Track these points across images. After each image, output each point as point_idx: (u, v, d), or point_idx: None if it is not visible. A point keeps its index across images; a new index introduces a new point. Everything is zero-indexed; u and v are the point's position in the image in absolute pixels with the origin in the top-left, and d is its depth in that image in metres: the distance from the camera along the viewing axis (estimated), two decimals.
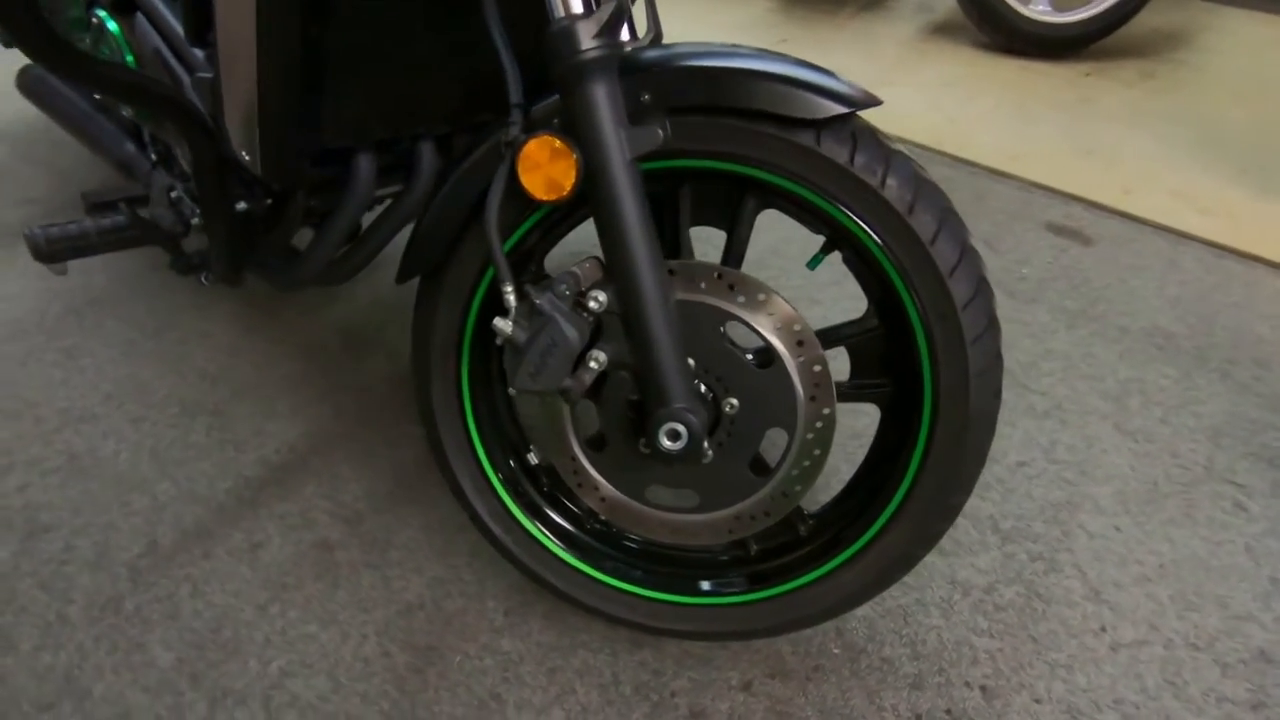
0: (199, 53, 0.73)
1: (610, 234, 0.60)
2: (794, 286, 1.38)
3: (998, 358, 0.65)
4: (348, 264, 0.92)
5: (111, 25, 0.81)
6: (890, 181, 0.60)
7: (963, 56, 2.18)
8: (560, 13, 0.56)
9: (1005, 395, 1.15)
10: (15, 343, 1.26)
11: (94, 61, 0.56)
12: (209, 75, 0.68)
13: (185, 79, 0.74)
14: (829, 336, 0.70)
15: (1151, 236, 1.49)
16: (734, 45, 0.64)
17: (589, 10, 0.57)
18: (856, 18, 2.47)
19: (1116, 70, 2.08)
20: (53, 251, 0.76)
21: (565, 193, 0.59)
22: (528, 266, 0.75)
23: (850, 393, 0.74)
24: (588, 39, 0.56)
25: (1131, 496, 1.02)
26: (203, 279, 0.86)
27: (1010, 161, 1.70)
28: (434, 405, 0.78)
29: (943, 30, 2.34)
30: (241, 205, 0.79)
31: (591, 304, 0.62)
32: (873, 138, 0.61)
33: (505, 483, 0.81)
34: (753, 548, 0.80)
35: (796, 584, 0.76)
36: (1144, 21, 2.15)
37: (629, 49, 0.69)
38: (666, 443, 0.64)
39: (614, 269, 0.61)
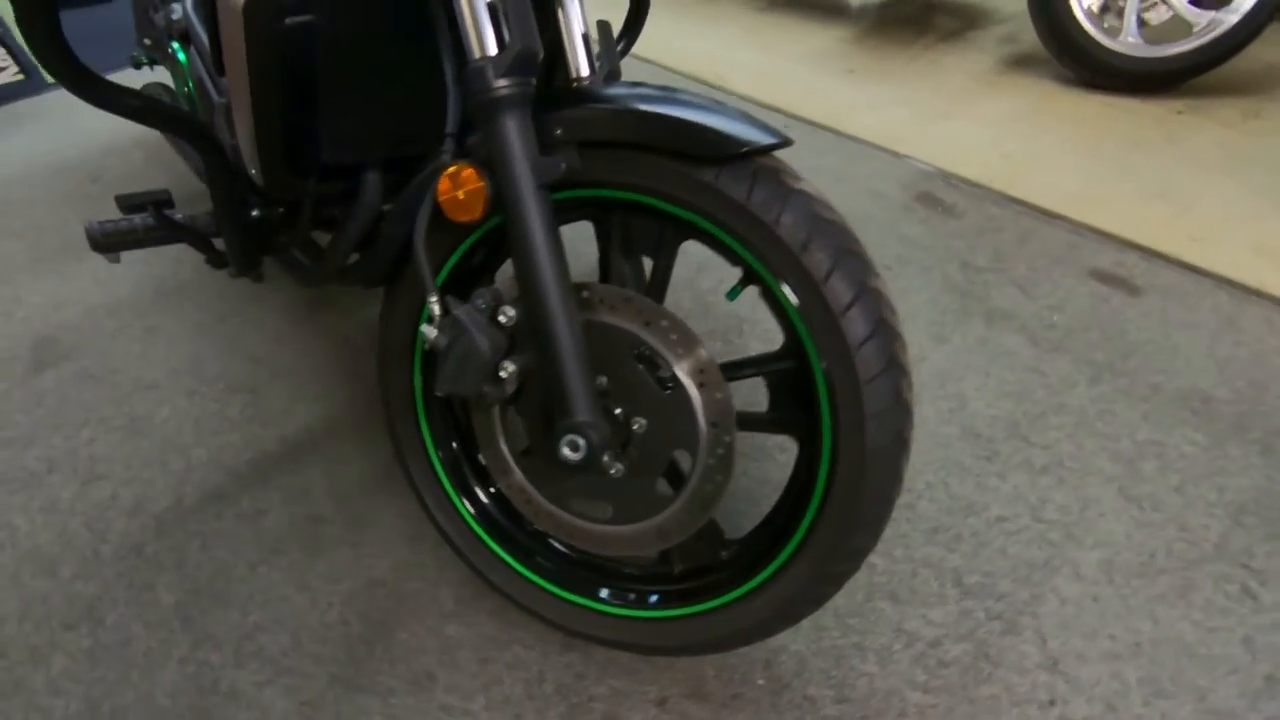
0: (223, 80, 0.85)
1: (518, 254, 0.65)
2: (728, 314, 1.38)
3: (898, 401, 0.64)
4: (363, 270, 1.03)
5: (180, 56, 0.96)
6: (785, 219, 0.62)
7: (1038, 91, 2.08)
8: (475, 53, 0.63)
9: (1001, 446, 1.11)
10: (112, 318, 1.47)
11: (108, 86, 0.68)
12: (225, 100, 0.80)
13: (217, 103, 0.87)
14: (738, 367, 0.72)
15: (1212, 290, 1.36)
16: (669, 89, 0.68)
17: (500, 51, 0.62)
18: (932, 49, 2.40)
19: (1215, 108, 1.91)
20: (106, 244, 0.91)
21: (476, 216, 0.65)
22: (480, 279, 0.81)
23: (767, 424, 0.75)
24: (498, 78, 0.61)
25: (1120, 566, 0.95)
26: (228, 272, 0.99)
27: (1066, 203, 1.61)
28: (390, 397, 0.86)
29: (1022, 63, 2.23)
30: (256, 212, 0.90)
31: (501, 318, 0.68)
32: (774, 177, 0.63)
33: (451, 478, 0.88)
34: (677, 566, 0.82)
35: (708, 606, 0.77)
36: (1255, 55, 1.97)
37: (585, 82, 0.75)
38: (567, 453, 0.68)
39: (522, 286, 0.66)
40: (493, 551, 0.87)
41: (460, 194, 0.64)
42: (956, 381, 1.22)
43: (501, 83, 0.61)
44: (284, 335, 1.41)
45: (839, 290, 0.62)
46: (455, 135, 0.69)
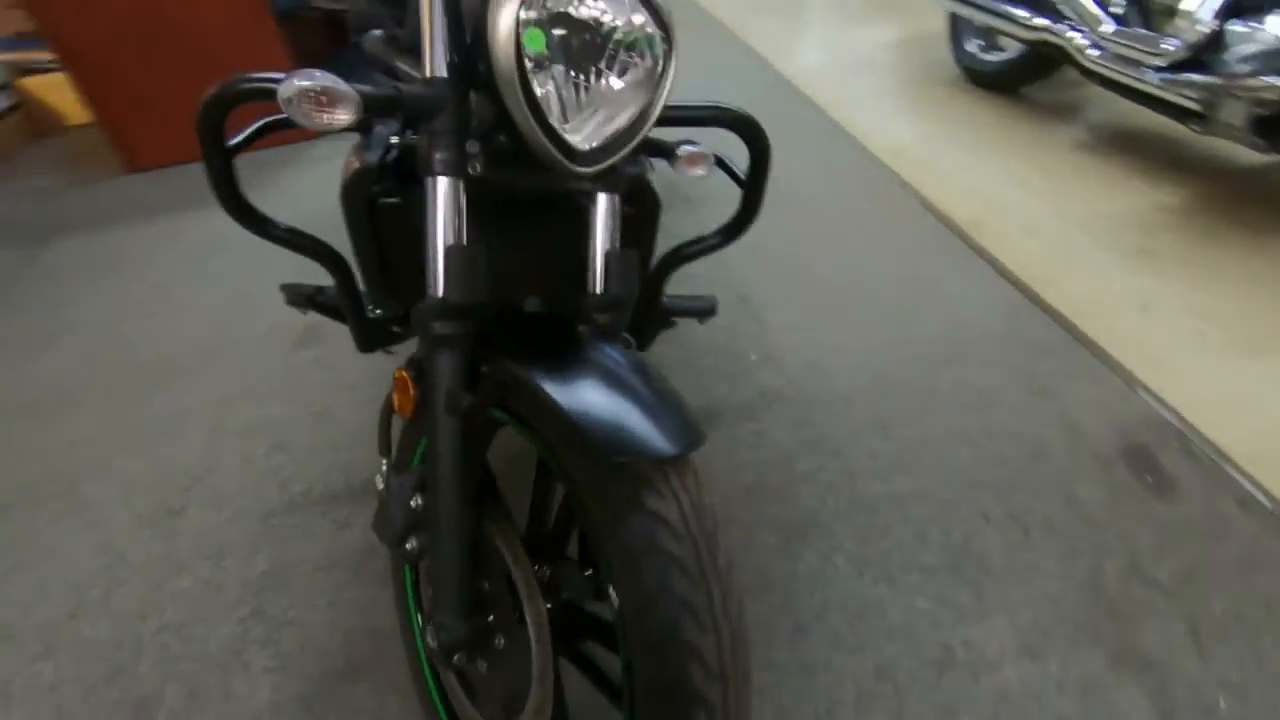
0: None
1: (427, 460, 0.74)
2: None
3: None
4: None
5: None
6: (622, 533, 0.61)
7: None
8: (429, 289, 0.72)
9: None
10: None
11: (263, 218, 0.90)
12: None
13: None
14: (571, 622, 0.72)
15: None
16: (630, 364, 0.70)
17: (448, 294, 0.71)
18: None
19: None
20: (293, 301, 1.23)
21: (408, 413, 0.75)
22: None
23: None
24: (435, 319, 0.70)
25: None
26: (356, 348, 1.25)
27: None
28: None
29: None
30: (378, 312, 1.14)
31: (412, 503, 0.77)
32: (644, 486, 0.62)
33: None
34: None
35: None
36: None
37: (595, 298, 0.79)
38: (429, 640, 0.76)
39: (426, 486, 0.75)
40: None
41: (399, 394, 0.76)
42: (1019, 713, 0.98)
43: (438, 324, 0.70)
44: None
45: (650, 630, 0.59)
46: None
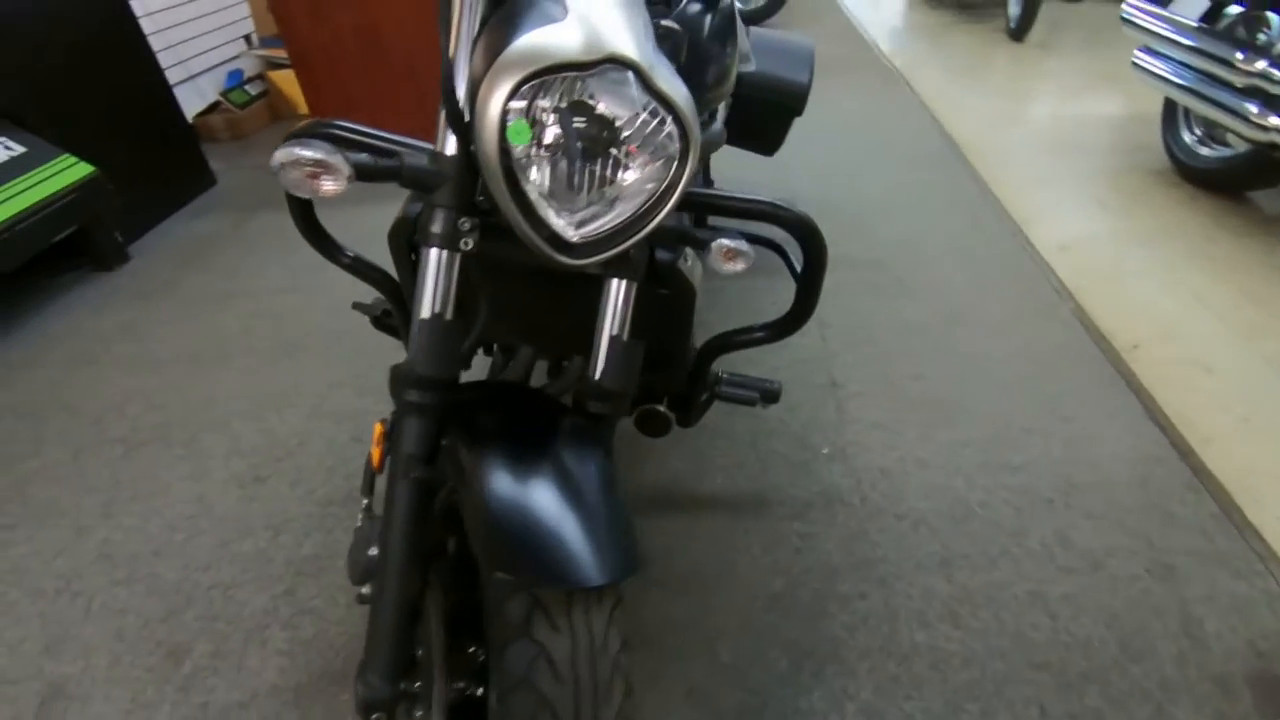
0: None
1: (382, 517, 0.76)
2: None
3: None
4: None
5: None
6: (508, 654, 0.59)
7: None
8: (409, 358, 0.73)
9: None
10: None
11: (335, 247, 0.97)
12: None
13: None
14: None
15: None
16: (549, 479, 0.67)
17: (415, 363, 0.71)
18: None
19: None
20: (367, 313, 1.33)
21: (376, 467, 0.78)
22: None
23: None
24: (408, 388, 0.72)
25: None
26: None
27: None
28: None
29: None
30: None
31: (370, 551, 0.80)
32: (553, 607, 0.60)
33: None
34: None
35: None
36: None
37: (592, 381, 0.78)
38: (356, 690, 0.78)
39: (378, 543, 0.77)
40: None
41: (375, 445, 0.78)
42: None
43: (407, 391, 0.72)
44: None
45: None
46: None
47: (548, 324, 1.06)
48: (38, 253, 2.20)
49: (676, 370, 1.08)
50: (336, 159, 0.61)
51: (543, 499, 0.64)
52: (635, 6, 0.66)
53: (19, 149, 2.24)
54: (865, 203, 2.59)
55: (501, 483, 0.65)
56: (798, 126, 2.00)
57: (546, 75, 0.59)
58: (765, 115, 1.92)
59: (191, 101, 3.52)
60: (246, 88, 3.79)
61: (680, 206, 0.90)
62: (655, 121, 0.63)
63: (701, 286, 0.99)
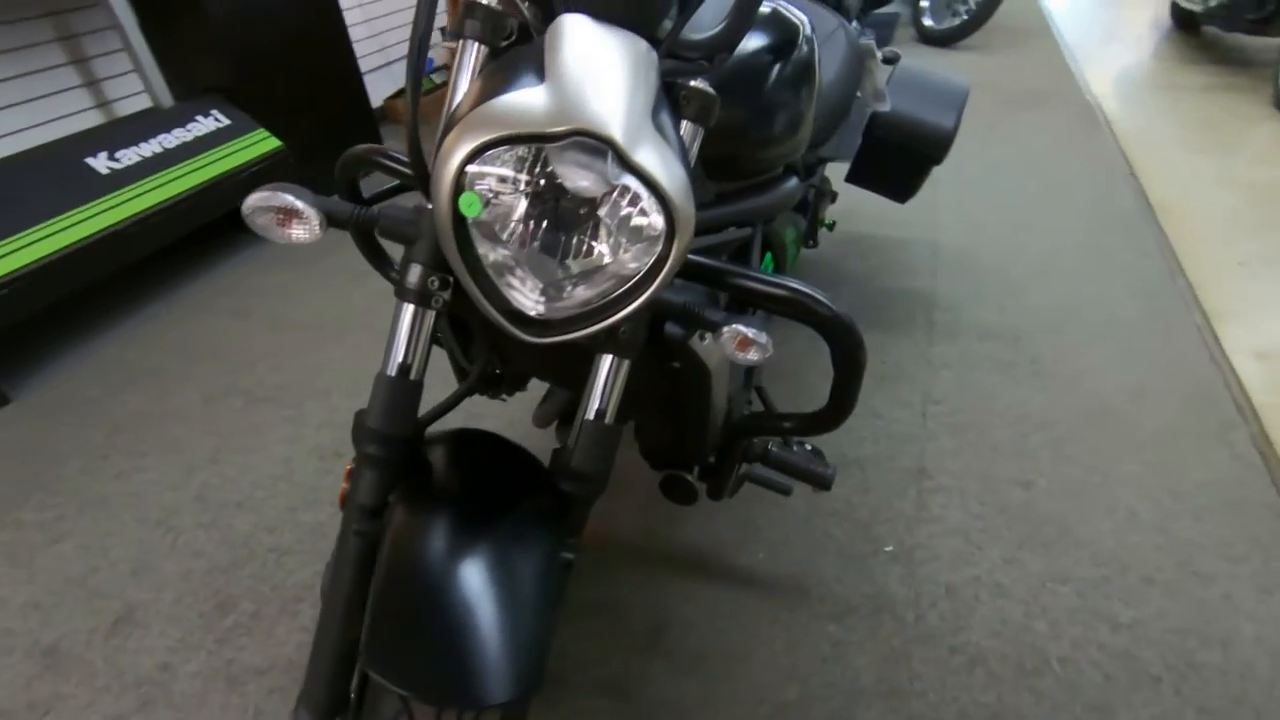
0: None
1: (333, 558, 0.76)
2: None
3: None
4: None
5: None
6: None
7: None
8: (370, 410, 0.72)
9: None
10: None
11: (386, 262, 0.99)
12: None
13: None
14: None
15: None
16: (474, 571, 0.65)
17: (377, 412, 0.70)
18: None
19: None
20: None
21: (340, 504, 0.78)
22: None
23: None
24: (366, 443, 0.70)
25: None
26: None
27: None
28: None
29: None
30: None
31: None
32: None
33: None
34: None
35: None
36: None
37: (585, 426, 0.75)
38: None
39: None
40: None
41: (345, 479, 0.79)
42: None
43: (366, 444, 0.71)
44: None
45: None
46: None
47: (556, 360, 1.02)
48: (229, 210, 2.54)
49: (696, 447, 1.00)
50: (302, 206, 0.61)
51: (445, 597, 0.61)
52: (642, 67, 0.59)
53: (226, 121, 2.59)
54: (1021, 260, 2.28)
55: (403, 570, 0.63)
56: (959, 159, 1.80)
57: (508, 143, 0.55)
58: (899, 160, 1.74)
59: (383, 86, 3.88)
60: (433, 76, 4.11)
61: (695, 277, 0.82)
62: (627, 200, 0.57)
63: (724, 364, 0.91)
